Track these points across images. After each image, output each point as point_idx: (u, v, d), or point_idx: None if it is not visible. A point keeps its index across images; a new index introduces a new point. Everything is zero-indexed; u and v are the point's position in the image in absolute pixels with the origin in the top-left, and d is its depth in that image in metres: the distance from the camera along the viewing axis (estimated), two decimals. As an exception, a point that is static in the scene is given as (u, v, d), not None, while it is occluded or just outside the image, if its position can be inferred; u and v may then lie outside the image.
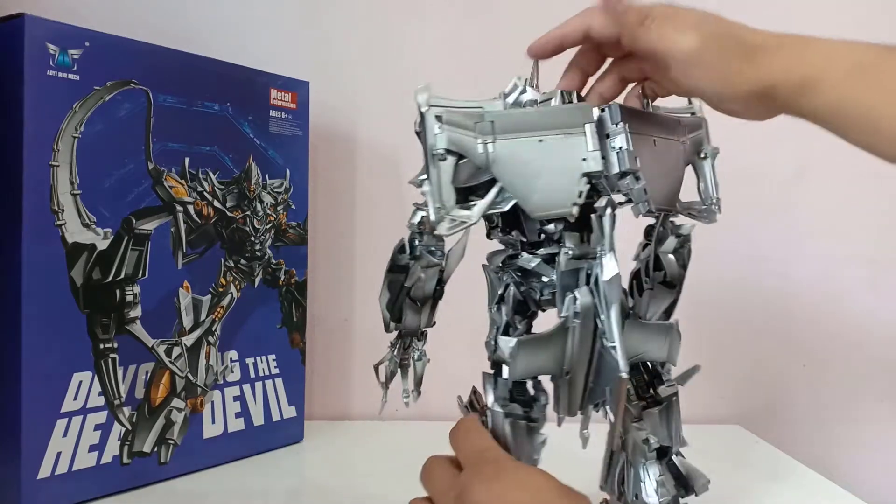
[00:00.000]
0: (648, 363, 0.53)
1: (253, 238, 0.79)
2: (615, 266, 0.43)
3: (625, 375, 0.42)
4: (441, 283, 0.53)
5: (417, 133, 0.46)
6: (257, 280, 0.79)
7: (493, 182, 0.46)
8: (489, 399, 0.48)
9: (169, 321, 0.71)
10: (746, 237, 0.99)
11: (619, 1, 0.49)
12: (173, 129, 0.70)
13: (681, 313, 0.54)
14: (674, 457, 0.53)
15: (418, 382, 0.56)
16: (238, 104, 0.76)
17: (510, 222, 0.50)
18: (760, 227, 1.00)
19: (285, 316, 0.82)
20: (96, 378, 0.66)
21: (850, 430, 1.02)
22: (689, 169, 0.53)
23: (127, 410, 0.68)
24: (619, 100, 0.53)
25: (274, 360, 0.81)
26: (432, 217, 0.44)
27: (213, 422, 0.75)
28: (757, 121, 0.51)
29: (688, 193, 0.53)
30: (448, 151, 0.44)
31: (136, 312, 0.68)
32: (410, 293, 0.52)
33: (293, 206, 0.82)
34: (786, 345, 1.02)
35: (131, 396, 0.68)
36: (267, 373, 0.81)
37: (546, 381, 0.49)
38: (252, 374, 0.79)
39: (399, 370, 0.56)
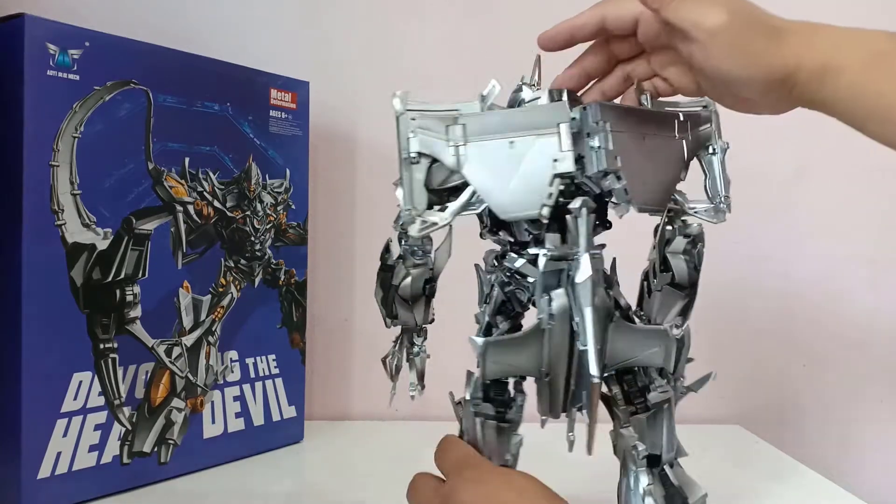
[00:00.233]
0: (644, 368, 0.52)
1: (253, 238, 0.79)
2: (589, 267, 0.42)
3: (596, 380, 0.41)
4: (430, 281, 0.52)
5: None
6: (257, 280, 0.79)
7: (467, 184, 0.46)
8: (465, 397, 0.49)
9: (169, 321, 0.71)
10: (747, 237, 0.98)
11: None
12: (173, 129, 0.70)
13: (681, 313, 0.54)
14: (668, 467, 0.52)
15: (420, 377, 0.57)
16: (238, 104, 0.76)
17: (498, 223, 0.50)
18: (761, 227, 1.00)
19: (285, 316, 0.82)
20: (96, 378, 0.66)
21: (851, 430, 1.02)
22: (697, 166, 0.52)
23: (127, 410, 0.68)
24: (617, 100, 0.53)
25: (274, 360, 0.81)
26: (403, 218, 0.46)
27: (213, 422, 0.75)
28: (769, 114, 0.50)
29: (696, 191, 0.52)
30: (421, 154, 0.46)
31: (136, 312, 0.68)
32: (399, 291, 0.52)
33: (293, 206, 0.82)
34: (786, 345, 1.02)
35: (131, 396, 0.68)
36: (267, 373, 0.81)
37: (530, 383, 0.49)
38: (252, 374, 0.79)
39: (406, 364, 0.56)
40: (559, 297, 0.45)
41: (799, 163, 1.00)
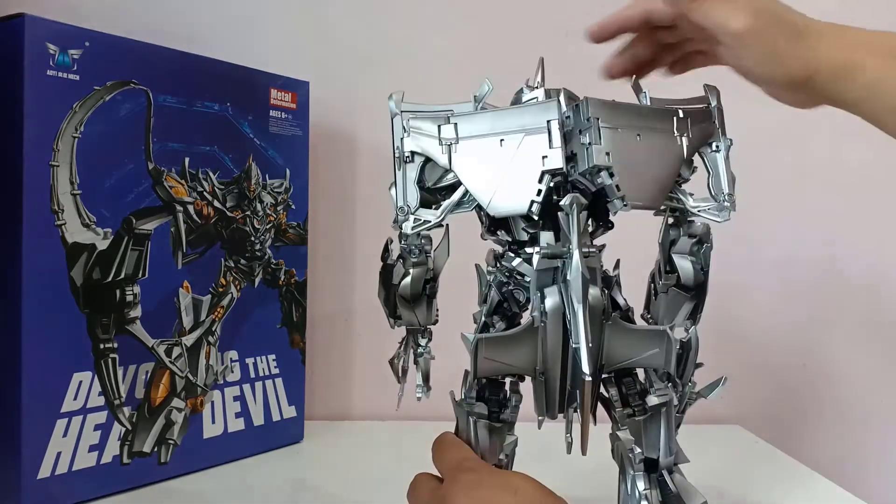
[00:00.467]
0: (645, 371, 0.51)
1: (253, 238, 0.79)
2: (580, 264, 0.42)
3: (588, 378, 0.40)
4: (431, 281, 0.52)
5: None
6: (257, 280, 0.79)
7: (459, 183, 0.47)
8: (460, 396, 0.50)
9: (169, 321, 0.71)
10: (746, 237, 0.98)
11: None
12: (173, 129, 0.70)
13: (681, 313, 0.54)
14: (667, 473, 0.50)
15: (425, 378, 0.56)
16: (238, 104, 0.76)
17: (496, 222, 0.51)
18: (760, 227, 1.00)
19: (285, 316, 0.82)
20: (96, 378, 0.66)
21: (850, 430, 1.02)
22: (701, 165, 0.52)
23: (127, 410, 0.68)
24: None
25: (274, 360, 0.81)
26: (397, 217, 0.47)
27: (213, 422, 0.75)
28: (798, 108, 0.52)
29: (701, 190, 0.52)
30: (414, 154, 0.47)
31: (136, 312, 0.68)
32: (399, 291, 0.52)
33: (293, 206, 0.82)
34: (786, 345, 1.02)
35: (131, 396, 0.68)
36: (267, 373, 0.81)
37: (528, 384, 0.48)
38: (252, 374, 0.79)
39: (414, 365, 0.56)
40: (553, 294, 0.44)
41: (799, 163, 1.00)
